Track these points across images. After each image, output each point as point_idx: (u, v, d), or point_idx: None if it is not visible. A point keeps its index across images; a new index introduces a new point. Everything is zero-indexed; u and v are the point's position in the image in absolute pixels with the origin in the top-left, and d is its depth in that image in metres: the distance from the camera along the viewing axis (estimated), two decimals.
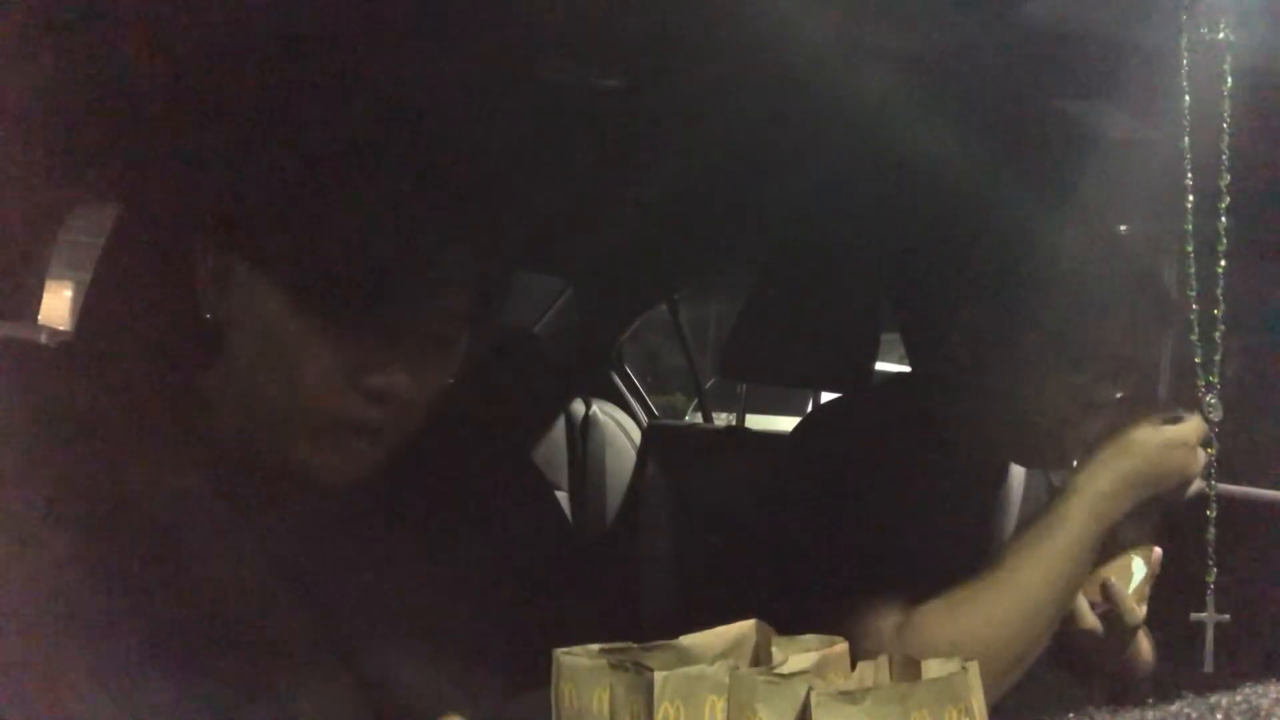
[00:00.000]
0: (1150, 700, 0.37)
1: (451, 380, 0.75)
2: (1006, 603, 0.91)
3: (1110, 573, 0.96)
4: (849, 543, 1.00)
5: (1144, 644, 1.07)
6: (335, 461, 0.71)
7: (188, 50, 0.80)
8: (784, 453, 1.20)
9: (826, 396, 1.95)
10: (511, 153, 1.32)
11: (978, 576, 0.93)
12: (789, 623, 0.59)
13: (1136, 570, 0.96)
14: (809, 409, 1.89)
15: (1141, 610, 0.96)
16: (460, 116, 0.82)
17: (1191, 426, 0.91)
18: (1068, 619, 0.96)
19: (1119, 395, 0.99)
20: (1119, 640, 0.98)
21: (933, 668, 0.53)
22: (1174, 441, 0.91)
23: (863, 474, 1.04)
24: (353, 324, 0.68)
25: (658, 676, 0.46)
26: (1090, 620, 0.96)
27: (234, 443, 0.73)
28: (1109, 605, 0.95)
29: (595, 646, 0.51)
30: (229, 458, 0.73)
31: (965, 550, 0.98)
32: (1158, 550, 0.98)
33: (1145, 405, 0.95)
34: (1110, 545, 0.96)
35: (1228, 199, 0.63)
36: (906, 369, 1.27)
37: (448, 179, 0.73)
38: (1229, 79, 0.61)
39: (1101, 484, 0.91)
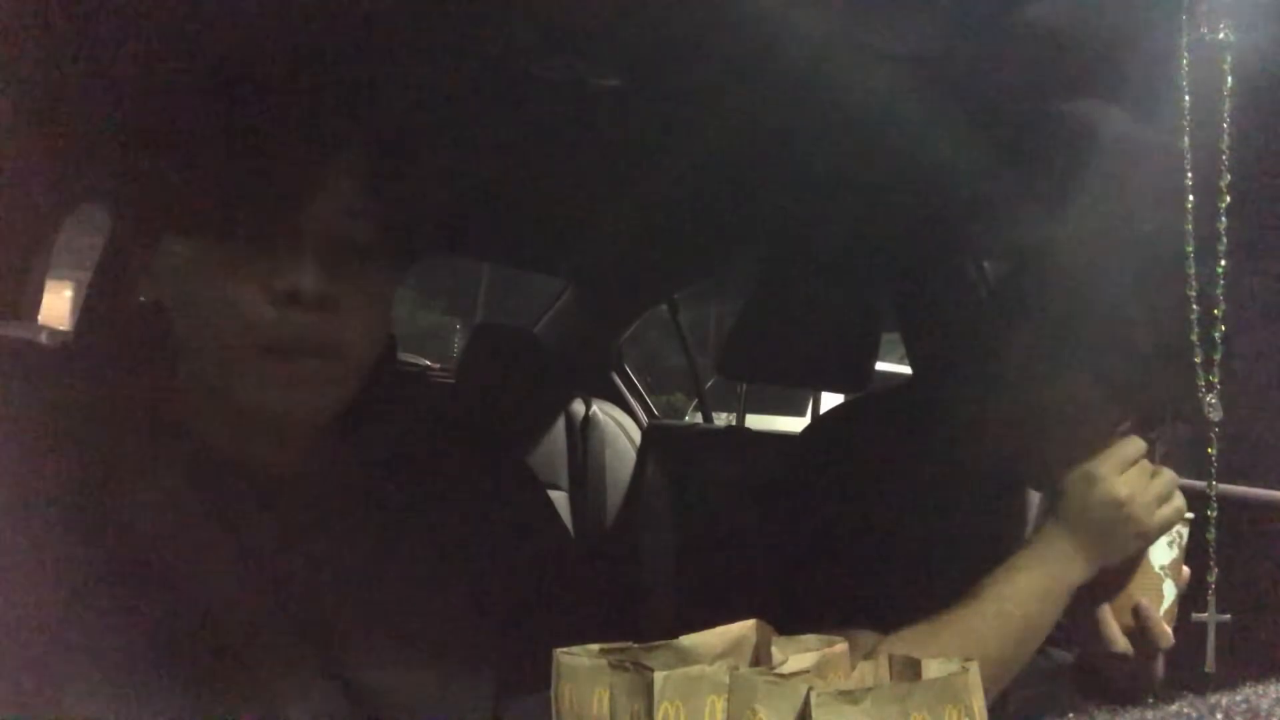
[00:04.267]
0: (1150, 700, 0.37)
1: (377, 285, 0.76)
2: (971, 643, 0.90)
3: (1141, 595, 0.94)
4: (852, 548, 0.99)
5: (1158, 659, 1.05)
6: (287, 390, 0.71)
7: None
8: (791, 456, 1.20)
9: (826, 396, 1.96)
10: (510, 154, 1.32)
11: (946, 611, 0.93)
12: (788, 624, 0.59)
13: (1168, 592, 0.94)
14: (809, 409, 1.90)
15: (1171, 631, 0.94)
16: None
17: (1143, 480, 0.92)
18: (1098, 643, 0.95)
19: (1122, 420, 0.97)
20: (1146, 661, 0.96)
21: (933, 668, 0.53)
22: (1129, 502, 0.91)
23: (870, 480, 1.04)
24: (252, 243, 0.70)
25: (658, 677, 0.46)
26: (1122, 643, 0.94)
27: (205, 431, 0.74)
28: (1139, 627, 0.94)
29: (595, 647, 0.51)
30: (206, 454, 0.73)
31: (973, 562, 0.97)
32: (1186, 570, 0.96)
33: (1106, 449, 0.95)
34: (1143, 567, 0.95)
35: (1228, 199, 0.63)
36: (906, 369, 1.27)
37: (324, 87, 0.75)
38: (1229, 79, 0.60)
39: (1058, 549, 0.93)
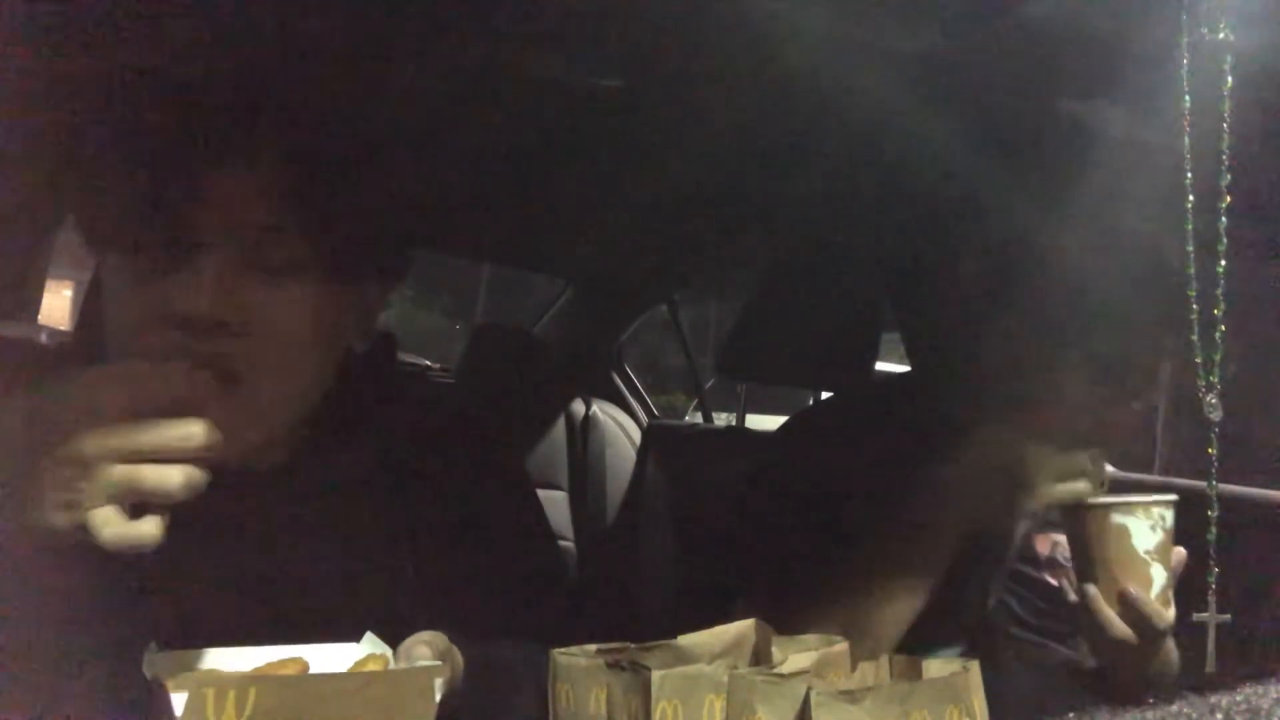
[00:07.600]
0: (1150, 700, 0.37)
1: (307, 302, 0.71)
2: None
3: (1128, 582, 0.94)
4: (824, 541, 1.00)
5: (1168, 646, 1.05)
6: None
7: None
8: (769, 450, 1.21)
9: (826, 397, 1.95)
10: (511, 153, 1.32)
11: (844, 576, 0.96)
12: (785, 622, 0.59)
13: (1156, 576, 0.94)
14: None
15: (1169, 613, 0.94)
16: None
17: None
18: (1098, 631, 0.95)
19: (1108, 402, 0.98)
20: (1151, 645, 0.95)
21: (933, 667, 0.53)
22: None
23: (840, 473, 1.05)
24: (152, 263, 0.67)
25: (655, 676, 0.46)
26: (1120, 629, 0.94)
27: None
28: (1133, 614, 0.93)
29: (592, 647, 0.51)
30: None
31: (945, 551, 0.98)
32: (1180, 551, 0.95)
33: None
34: (1127, 554, 0.95)
35: (1228, 199, 0.63)
36: (906, 369, 1.28)
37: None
38: (1229, 79, 0.60)
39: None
